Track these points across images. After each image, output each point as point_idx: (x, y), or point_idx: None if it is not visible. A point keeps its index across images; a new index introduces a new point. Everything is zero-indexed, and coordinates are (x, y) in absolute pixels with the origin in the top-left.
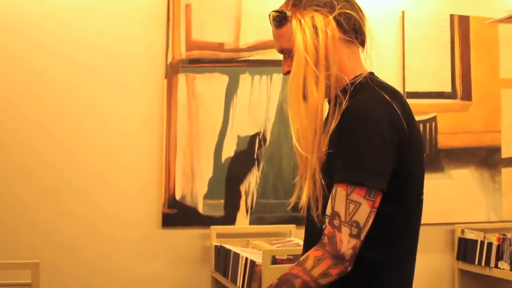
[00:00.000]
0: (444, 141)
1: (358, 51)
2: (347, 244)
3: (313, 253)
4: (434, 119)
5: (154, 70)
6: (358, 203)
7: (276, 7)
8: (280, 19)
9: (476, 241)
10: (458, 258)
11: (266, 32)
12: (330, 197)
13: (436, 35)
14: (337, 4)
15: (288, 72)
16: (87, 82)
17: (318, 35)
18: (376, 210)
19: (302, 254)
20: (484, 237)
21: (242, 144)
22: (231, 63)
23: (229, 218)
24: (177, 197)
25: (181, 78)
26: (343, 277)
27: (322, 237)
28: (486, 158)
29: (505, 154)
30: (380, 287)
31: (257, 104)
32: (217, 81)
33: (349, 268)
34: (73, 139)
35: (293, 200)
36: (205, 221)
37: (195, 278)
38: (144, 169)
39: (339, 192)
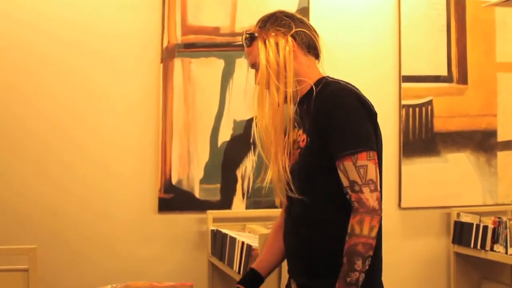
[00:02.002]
0: (440, 125)
1: (314, 61)
2: (372, 199)
3: (353, 220)
4: (430, 102)
5: (150, 54)
6: (365, 165)
7: None
8: (249, 39)
9: (471, 224)
10: (453, 242)
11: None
12: (340, 172)
13: (432, 19)
14: (294, 25)
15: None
16: (84, 66)
17: (279, 51)
18: (378, 164)
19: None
20: (480, 221)
21: (238, 129)
22: (227, 47)
23: (225, 202)
24: (173, 181)
25: (177, 62)
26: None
27: (352, 205)
28: (482, 141)
29: (501, 137)
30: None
31: (253, 89)
32: (213, 66)
33: (381, 214)
34: (71, 125)
35: (265, 183)
36: (202, 206)
37: (191, 263)
38: (140, 154)
39: (347, 164)
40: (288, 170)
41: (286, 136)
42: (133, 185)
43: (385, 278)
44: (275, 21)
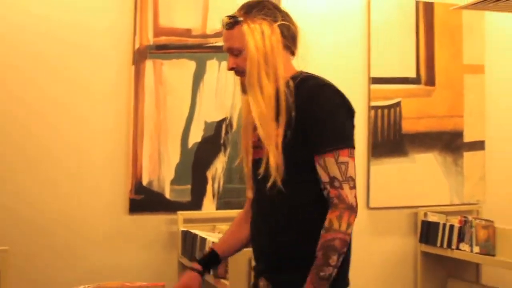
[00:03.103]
0: (408, 126)
1: (291, 55)
2: (351, 196)
3: (331, 215)
4: (398, 104)
5: (122, 56)
6: (346, 162)
7: None
8: (232, 23)
9: (438, 223)
10: (420, 241)
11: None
12: (319, 167)
13: (401, 21)
14: (280, 16)
15: (232, 69)
16: (55, 68)
17: (265, 39)
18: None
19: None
20: (446, 220)
21: (209, 130)
22: (198, 49)
23: (196, 203)
24: (144, 183)
25: (149, 64)
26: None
27: (331, 201)
28: (449, 142)
29: (467, 138)
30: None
31: (224, 90)
32: (185, 67)
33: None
34: (43, 127)
35: (271, 171)
36: (172, 207)
37: (162, 263)
38: (111, 155)
39: (328, 160)
40: (280, 163)
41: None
42: (104, 187)
43: (354, 276)
44: (261, 9)
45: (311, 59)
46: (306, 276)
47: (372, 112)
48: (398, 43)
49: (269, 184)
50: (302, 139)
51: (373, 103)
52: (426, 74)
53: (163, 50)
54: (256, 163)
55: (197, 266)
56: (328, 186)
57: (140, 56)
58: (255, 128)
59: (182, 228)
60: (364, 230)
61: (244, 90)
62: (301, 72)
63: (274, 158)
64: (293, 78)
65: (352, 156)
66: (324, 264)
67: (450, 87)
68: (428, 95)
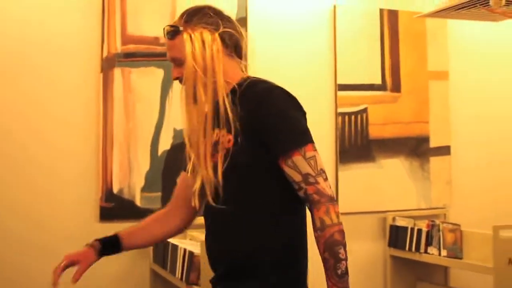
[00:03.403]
0: (375, 132)
1: (238, 62)
2: (327, 187)
3: (319, 213)
4: (365, 110)
5: (90, 64)
6: (313, 156)
7: (209, 2)
8: (173, 32)
9: (406, 228)
10: (389, 245)
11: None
12: (288, 168)
13: (366, 29)
14: (222, 24)
15: (177, 78)
16: (22, 75)
17: (205, 48)
18: None
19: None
20: (414, 224)
21: (179, 137)
22: (166, 57)
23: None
24: (115, 190)
25: (117, 72)
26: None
27: (311, 198)
28: (415, 147)
29: (433, 143)
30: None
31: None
32: (153, 75)
33: None
34: (13, 133)
35: (195, 188)
36: (143, 214)
37: (133, 271)
38: (81, 163)
39: (296, 159)
40: (220, 172)
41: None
42: (74, 195)
43: (322, 280)
44: (202, 17)
45: (279, 68)
46: (264, 283)
47: (339, 118)
48: (363, 50)
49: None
50: (258, 146)
51: (340, 110)
52: (392, 81)
53: (131, 58)
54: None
55: (96, 244)
56: (303, 185)
57: (108, 64)
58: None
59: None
60: None
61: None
62: (248, 77)
63: (202, 174)
64: (239, 84)
65: (315, 149)
66: (336, 262)
67: (416, 93)
68: (394, 101)
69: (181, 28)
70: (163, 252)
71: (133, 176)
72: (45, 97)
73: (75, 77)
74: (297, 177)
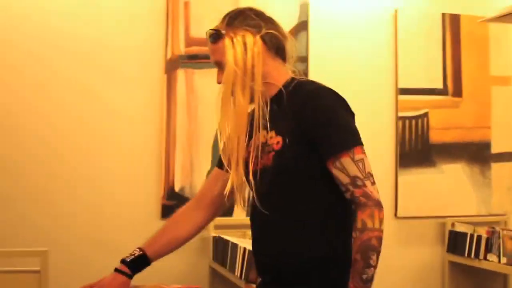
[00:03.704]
0: (436, 136)
1: (282, 63)
2: (375, 191)
3: (363, 215)
4: (426, 115)
5: (154, 66)
6: (362, 159)
7: (272, 7)
8: (215, 36)
9: (466, 233)
10: (448, 250)
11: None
12: (336, 170)
13: (428, 33)
14: (264, 26)
15: (221, 82)
16: (90, 78)
17: (247, 51)
18: None
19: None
20: (474, 230)
21: None
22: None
23: (227, 210)
24: (176, 189)
25: (180, 73)
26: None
27: (358, 201)
28: (476, 153)
29: (494, 149)
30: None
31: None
32: (215, 76)
33: None
34: (80, 134)
35: (226, 191)
36: None
37: (194, 268)
38: (145, 162)
39: (344, 161)
40: (251, 177)
41: (252, 140)
42: (138, 192)
43: (382, 285)
44: (244, 20)
45: (340, 71)
46: (313, 286)
47: (400, 122)
48: (425, 54)
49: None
50: (306, 148)
51: (400, 114)
52: (453, 85)
53: (194, 60)
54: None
55: (125, 269)
56: (351, 187)
57: (172, 66)
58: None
59: (213, 233)
60: (392, 239)
61: None
62: (294, 78)
63: (235, 176)
64: (285, 86)
65: (364, 152)
66: (365, 266)
67: (477, 98)
68: (456, 106)
69: (223, 32)
70: (222, 250)
71: (194, 175)
72: (111, 98)
73: (140, 78)
74: (345, 179)
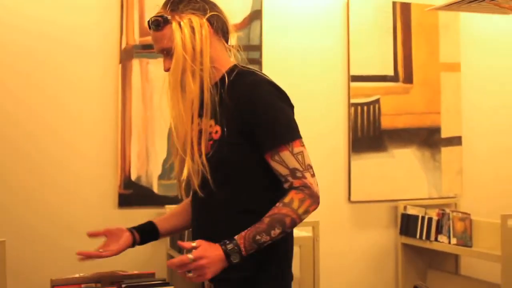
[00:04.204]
0: (387, 122)
1: (225, 45)
2: (314, 183)
3: (296, 195)
4: (377, 101)
5: (109, 55)
6: (301, 152)
7: None
8: (160, 23)
9: (417, 216)
10: (401, 233)
11: None
12: (275, 163)
13: (379, 22)
14: (208, 8)
15: (169, 69)
16: (44, 69)
17: (195, 34)
18: None
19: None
20: (425, 213)
21: None
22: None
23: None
24: (133, 178)
25: (135, 63)
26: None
27: (295, 187)
28: (427, 138)
29: (444, 134)
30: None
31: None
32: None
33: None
34: (33, 124)
35: (183, 177)
36: (160, 201)
37: (151, 255)
38: (100, 152)
39: (283, 154)
40: (205, 161)
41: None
42: (94, 182)
43: (337, 268)
44: (188, 3)
45: (294, 60)
46: (246, 274)
47: (352, 109)
48: (376, 42)
49: (198, 189)
50: (242, 139)
51: (353, 101)
52: (404, 72)
53: (148, 50)
54: None
55: (134, 231)
56: (290, 178)
57: (126, 55)
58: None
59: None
60: (346, 223)
61: None
62: (236, 65)
63: (188, 163)
64: (228, 73)
65: (303, 145)
66: (265, 231)
67: (427, 85)
68: (406, 93)
69: (169, 17)
70: (179, 237)
71: (150, 164)
72: (65, 88)
73: (95, 69)
74: (284, 171)
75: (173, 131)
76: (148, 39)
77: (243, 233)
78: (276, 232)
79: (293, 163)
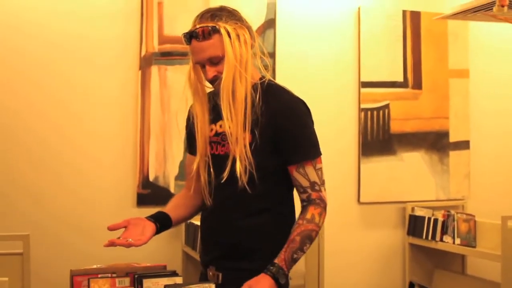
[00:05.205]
0: (396, 126)
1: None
2: (326, 197)
3: (315, 211)
4: (387, 106)
5: (129, 62)
6: (320, 168)
7: (241, 5)
8: (210, 32)
9: (424, 217)
10: (408, 233)
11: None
12: (298, 174)
13: (389, 29)
14: (244, 19)
15: (215, 77)
16: (72, 72)
17: (240, 43)
18: None
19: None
20: (432, 214)
21: None
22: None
23: None
24: (151, 178)
25: (154, 69)
26: (266, 226)
27: (313, 199)
28: (435, 142)
29: (452, 138)
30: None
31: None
32: (187, 72)
33: None
34: (63, 124)
35: (225, 175)
36: None
37: (167, 251)
38: (121, 154)
39: (307, 168)
40: (252, 162)
41: (216, 125)
42: (114, 182)
43: (346, 267)
44: (230, 14)
45: (307, 66)
46: (255, 263)
47: (362, 113)
48: (386, 49)
49: (239, 184)
50: (271, 147)
51: (363, 106)
52: (413, 78)
53: (167, 57)
54: (216, 158)
55: (154, 221)
56: (309, 190)
57: (146, 63)
58: (210, 125)
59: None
60: (355, 223)
61: (196, 92)
62: (263, 77)
63: (241, 162)
64: (261, 83)
65: (322, 162)
66: (299, 248)
67: (436, 91)
68: (415, 98)
69: (217, 26)
70: (193, 235)
71: (167, 166)
72: (89, 94)
73: (116, 75)
74: (304, 183)
75: (228, 133)
76: (167, 47)
77: (282, 256)
78: (307, 247)
79: (314, 177)
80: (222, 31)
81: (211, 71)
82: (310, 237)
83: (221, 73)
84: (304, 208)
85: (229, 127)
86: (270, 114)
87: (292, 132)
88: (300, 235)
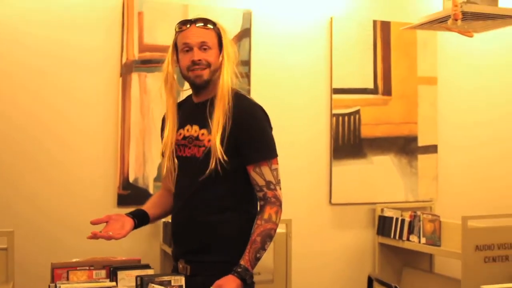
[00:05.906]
0: (367, 131)
1: None
2: (281, 195)
3: (271, 210)
4: (358, 112)
5: (110, 69)
6: (276, 168)
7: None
8: (210, 22)
9: (392, 218)
10: (377, 233)
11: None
12: (255, 174)
13: (361, 38)
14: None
15: (199, 60)
16: (54, 83)
17: (232, 47)
18: None
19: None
20: (401, 215)
21: None
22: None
23: None
24: (131, 180)
25: (134, 76)
26: (235, 227)
27: (268, 197)
28: (404, 146)
29: (421, 142)
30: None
31: None
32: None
33: None
34: (41, 132)
35: (191, 176)
36: None
37: (146, 250)
38: (102, 156)
39: (263, 168)
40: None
41: (183, 129)
42: (96, 183)
43: (318, 266)
44: (215, 22)
45: (281, 74)
46: (220, 256)
47: (334, 119)
48: (357, 57)
49: (204, 185)
50: (232, 148)
51: (335, 111)
52: (383, 85)
53: (147, 64)
54: (183, 160)
55: (132, 217)
56: (265, 189)
57: (127, 69)
58: (178, 128)
59: (163, 219)
60: (327, 224)
61: (168, 87)
62: (231, 88)
63: (218, 152)
64: (232, 89)
65: (277, 163)
66: (261, 248)
67: (405, 97)
68: (385, 104)
69: (217, 25)
70: (170, 233)
71: (147, 168)
72: (72, 99)
73: (98, 81)
74: (260, 182)
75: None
76: (147, 55)
77: (246, 257)
78: (268, 244)
79: (269, 176)
80: (221, 31)
81: (198, 54)
82: (270, 236)
83: (206, 60)
84: (261, 209)
85: (219, 119)
86: (234, 120)
87: (250, 135)
88: (261, 235)
